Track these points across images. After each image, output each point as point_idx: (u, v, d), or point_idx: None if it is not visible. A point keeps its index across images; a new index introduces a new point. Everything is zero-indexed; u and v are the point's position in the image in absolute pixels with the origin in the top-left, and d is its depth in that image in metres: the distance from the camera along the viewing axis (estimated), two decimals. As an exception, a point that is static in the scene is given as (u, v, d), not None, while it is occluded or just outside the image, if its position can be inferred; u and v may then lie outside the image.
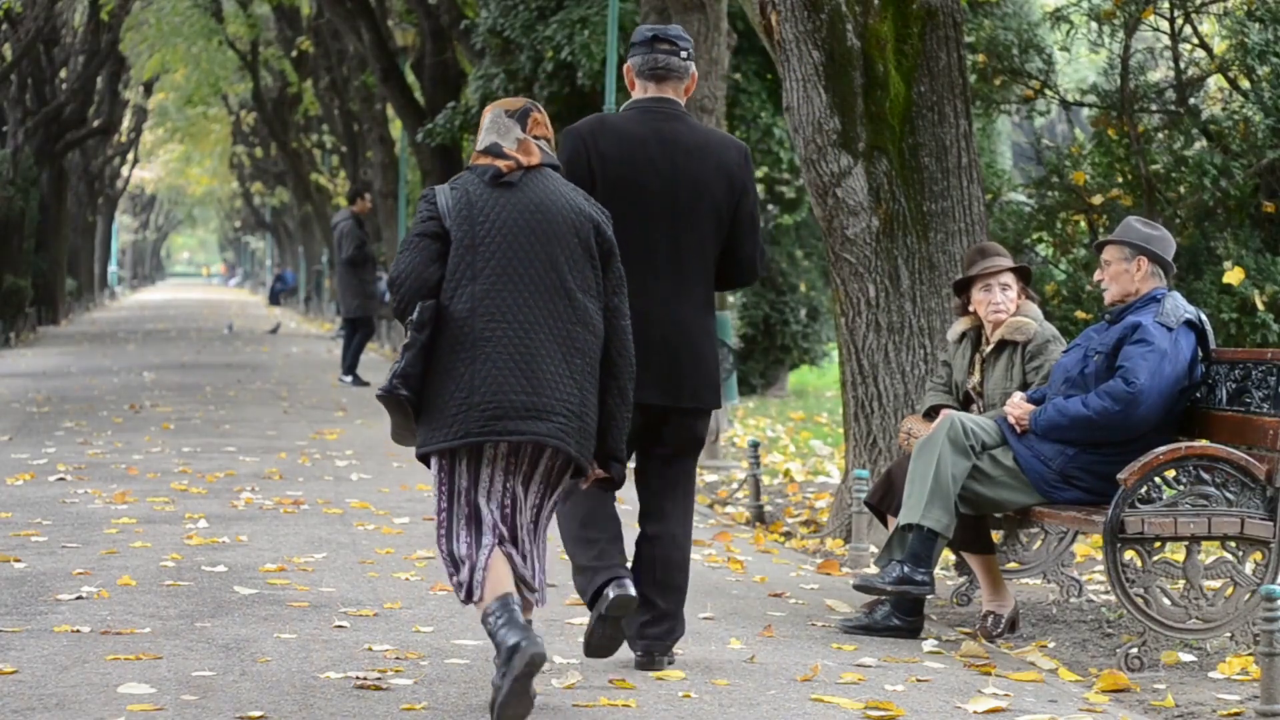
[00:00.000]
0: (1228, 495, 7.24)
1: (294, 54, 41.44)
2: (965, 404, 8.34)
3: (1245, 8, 11.96)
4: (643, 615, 6.74)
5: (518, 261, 6.04)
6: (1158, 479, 7.24)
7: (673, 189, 6.86)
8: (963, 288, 8.45)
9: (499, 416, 5.91)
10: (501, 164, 6.14)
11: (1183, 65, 12.32)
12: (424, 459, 6.03)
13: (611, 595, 6.43)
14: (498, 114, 6.27)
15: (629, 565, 6.67)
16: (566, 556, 6.76)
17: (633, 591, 6.47)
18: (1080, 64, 29.09)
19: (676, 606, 6.81)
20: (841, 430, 11.68)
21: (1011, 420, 7.80)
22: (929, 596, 7.87)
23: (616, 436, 6.19)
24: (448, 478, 6.01)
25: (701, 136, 6.97)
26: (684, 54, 6.96)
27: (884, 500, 8.12)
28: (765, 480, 13.06)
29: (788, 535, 11.05)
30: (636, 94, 7.02)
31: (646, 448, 6.91)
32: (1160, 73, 12.80)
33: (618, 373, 6.19)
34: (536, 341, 5.99)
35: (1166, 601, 7.20)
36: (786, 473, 14.27)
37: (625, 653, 7.05)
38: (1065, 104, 12.94)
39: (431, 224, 6.10)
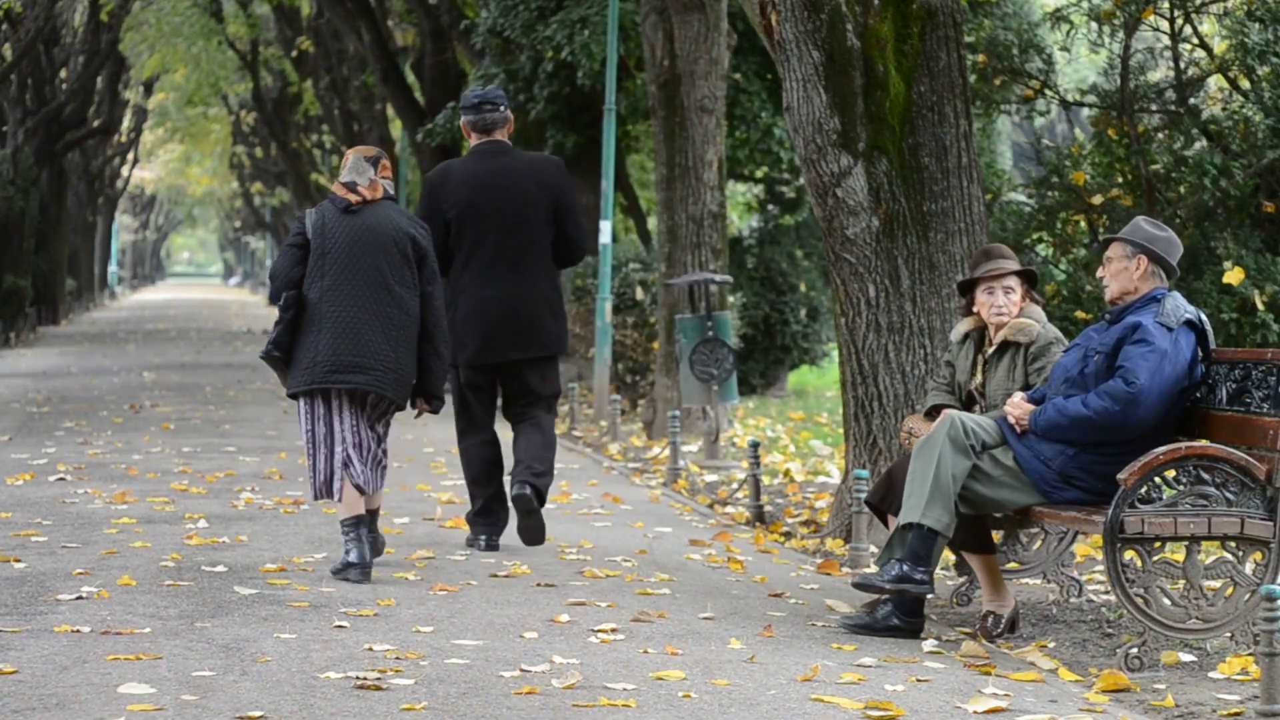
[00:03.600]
0: (1228, 495, 7.23)
1: (294, 54, 41.41)
2: (967, 404, 8.33)
3: (1245, 8, 11.94)
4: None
5: (353, 265, 8.73)
6: (1158, 479, 7.23)
7: (507, 205, 9.57)
8: (967, 289, 8.45)
9: (335, 370, 8.66)
10: (353, 198, 8.82)
11: (1183, 65, 12.30)
12: (293, 397, 8.81)
13: (483, 545, 9.67)
14: (358, 158, 8.88)
15: (505, 504, 9.74)
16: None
17: (499, 546, 9.67)
18: (1080, 64, 29.07)
19: (545, 485, 9.62)
20: (841, 430, 11.67)
21: (1011, 420, 7.80)
22: (929, 596, 7.87)
23: (435, 381, 8.94)
24: (310, 411, 8.78)
25: (524, 162, 9.73)
26: (502, 109, 9.71)
27: (885, 500, 8.10)
28: (765, 480, 13.05)
29: (788, 535, 11.04)
30: (474, 141, 9.72)
31: (510, 399, 9.72)
32: (1160, 73, 12.79)
33: (432, 338, 8.89)
34: (362, 320, 8.68)
35: (1166, 601, 7.20)
36: (786, 473, 14.26)
37: (626, 653, 7.06)
38: (1065, 104, 12.92)
39: (298, 238, 8.85)
